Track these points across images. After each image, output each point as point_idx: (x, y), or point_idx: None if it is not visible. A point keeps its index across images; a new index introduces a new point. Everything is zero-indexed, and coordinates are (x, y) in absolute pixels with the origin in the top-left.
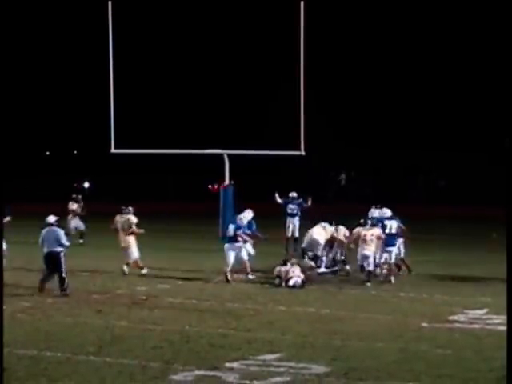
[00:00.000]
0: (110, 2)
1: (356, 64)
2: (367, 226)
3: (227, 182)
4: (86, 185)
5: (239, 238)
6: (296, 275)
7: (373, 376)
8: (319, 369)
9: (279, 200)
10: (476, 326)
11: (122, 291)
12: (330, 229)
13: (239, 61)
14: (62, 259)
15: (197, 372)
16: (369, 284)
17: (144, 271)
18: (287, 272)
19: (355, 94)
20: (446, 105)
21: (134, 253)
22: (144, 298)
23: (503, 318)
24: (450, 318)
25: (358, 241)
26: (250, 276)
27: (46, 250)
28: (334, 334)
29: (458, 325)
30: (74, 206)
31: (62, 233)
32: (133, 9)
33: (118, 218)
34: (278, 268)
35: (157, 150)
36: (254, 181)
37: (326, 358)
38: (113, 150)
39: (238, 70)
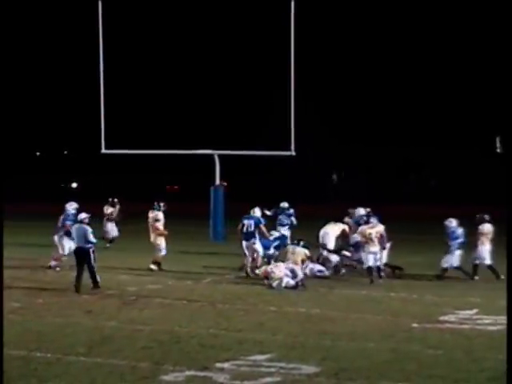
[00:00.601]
0: (100, 2)
1: (348, 62)
2: (371, 224)
3: (218, 182)
4: (74, 185)
5: (262, 231)
6: (283, 274)
7: (363, 376)
8: (309, 369)
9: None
10: (466, 326)
11: (112, 292)
12: (341, 225)
13: (230, 62)
14: (92, 255)
15: (187, 372)
16: (381, 281)
17: (153, 267)
18: (271, 271)
19: (347, 93)
20: (438, 103)
21: (158, 250)
22: (134, 298)
23: (493, 319)
24: (441, 318)
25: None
26: (258, 271)
27: (76, 245)
28: (325, 334)
29: (448, 325)
30: (108, 210)
31: (89, 230)
32: (123, 10)
33: (150, 213)
34: (262, 268)
35: (147, 150)
36: (246, 181)
37: (317, 358)
38: (103, 151)
39: (228, 71)
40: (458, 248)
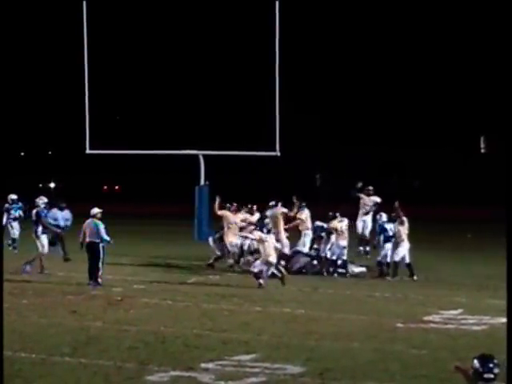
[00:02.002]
0: (84, 2)
1: (331, 64)
2: (339, 218)
3: (202, 182)
4: (52, 185)
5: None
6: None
7: (348, 376)
8: (294, 369)
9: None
10: (451, 326)
11: (97, 292)
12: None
13: (214, 61)
14: (101, 250)
15: (172, 373)
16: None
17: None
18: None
19: (331, 93)
20: (423, 103)
21: None
22: (119, 298)
23: (478, 318)
24: (425, 318)
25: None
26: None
27: (87, 240)
28: (309, 334)
29: (432, 325)
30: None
31: (101, 226)
32: (108, 9)
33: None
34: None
35: (132, 150)
36: (231, 181)
37: (301, 359)
38: (88, 151)
39: (213, 71)
40: (386, 242)
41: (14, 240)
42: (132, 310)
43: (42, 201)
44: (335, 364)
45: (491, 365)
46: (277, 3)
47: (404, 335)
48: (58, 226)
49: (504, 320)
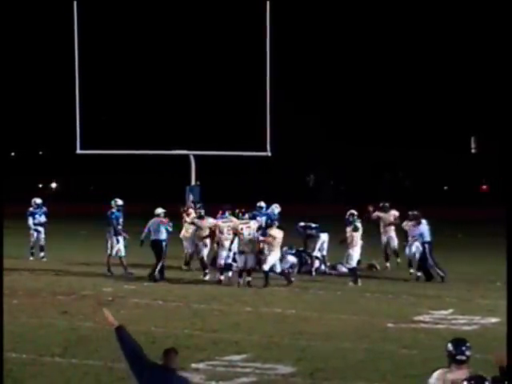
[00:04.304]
0: (75, 2)
1: (323, 64)
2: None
3: (193, 182)
4: (54, 185)
5: None
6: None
7: (338, 376)
8: (285, 369)
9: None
10: (441, 326)
11: (88, 292)
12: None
13: (205, 61)
14: (164, 248)
15: None
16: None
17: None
18: None
19: (323, 93)
20: (414, 102)
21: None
22: (110, 298)
23: (468, 319)
24: (416, 318)
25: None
26: None
27: (151, 238)
28: (300, 334)
29: (423, 325)
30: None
31: (163, 225)
32: (99, 9)
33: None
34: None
35: (122, 150)
36: (222, 182)
37: (292, 359)
38: (78, 151)
39: (204, 71)
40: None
41: (42, 248)
42: (123, 311)
43: (37, 201)
44: (326, 364)
45: (463, 347)
46: (268, 3)
47: (395, 335)
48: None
49: (494, 320)
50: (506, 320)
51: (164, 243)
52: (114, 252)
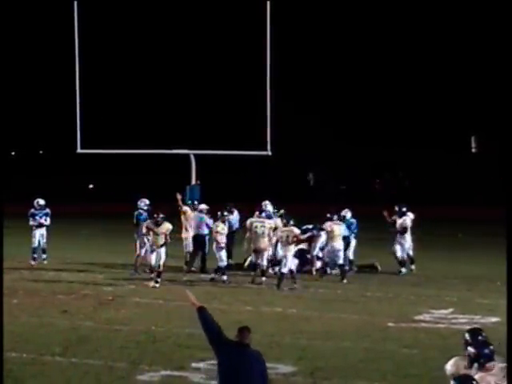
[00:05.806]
0: (75, 2)
1: (323, 64)
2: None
3: (193, 181)
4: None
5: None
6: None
7: (339, 375)
8: (286, 368)
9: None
10: (441, 325)
11: (88, 291)
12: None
13: (206, 60)
14: (207, 242)
15: (163, 372)
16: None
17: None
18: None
19: (323, 92)
20: (414, 102)
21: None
22: (110, 298)
23: (468, 318)
24: (416, 317)
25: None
26: None
27: (194, 232)
28: (301, 333)
29: (423, 324)
30: None
31: (205, 220)
32: (99, 9)
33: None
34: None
35: (123, 150)
36: (222, 181)
37: (293, 358)
38: (79, 150)
39: (204, 70)
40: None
41: (43, 250)
42: (123, 310)
43: (40, 201)
44: (326, 363)
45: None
46: (268, 3)
47: (395, 335)
48: None
49: (494, 319)
50: (506, 320)
51: (207, 238)
52: (142, 252)
